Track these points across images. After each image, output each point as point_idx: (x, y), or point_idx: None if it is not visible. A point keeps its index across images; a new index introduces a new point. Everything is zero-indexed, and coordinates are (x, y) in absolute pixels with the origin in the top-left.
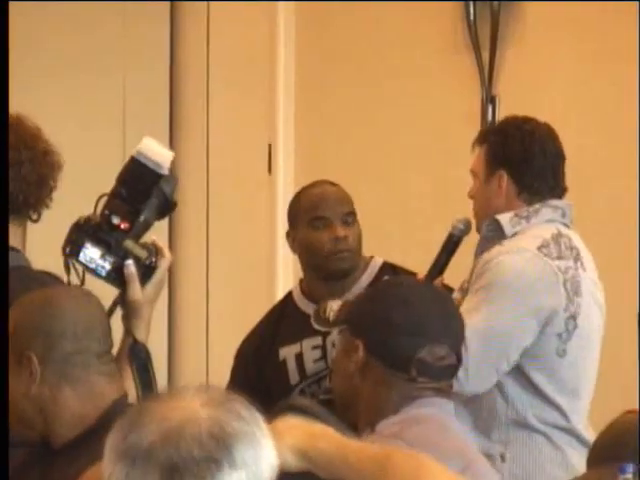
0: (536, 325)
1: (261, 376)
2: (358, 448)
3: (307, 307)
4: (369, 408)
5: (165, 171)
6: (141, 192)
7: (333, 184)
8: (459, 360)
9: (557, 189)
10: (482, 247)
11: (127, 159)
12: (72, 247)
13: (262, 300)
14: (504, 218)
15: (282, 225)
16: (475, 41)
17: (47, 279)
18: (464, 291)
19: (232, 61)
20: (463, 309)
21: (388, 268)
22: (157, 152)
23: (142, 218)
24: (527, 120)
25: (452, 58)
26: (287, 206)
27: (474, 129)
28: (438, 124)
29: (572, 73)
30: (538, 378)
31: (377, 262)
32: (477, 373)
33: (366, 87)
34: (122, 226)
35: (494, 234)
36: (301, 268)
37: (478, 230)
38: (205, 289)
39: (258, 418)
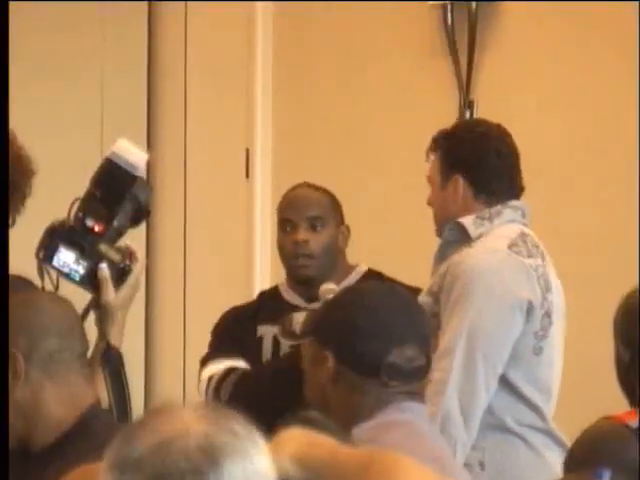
0: (521, 319)
1: (236, 347)
2: (348, 452)
3: (292, 298)
4: (343, 415)
5: (140, 172)
6: (115, 194)
7: (314, 188)
8: (428, 360)
9: (514, 189)
10: (443, 251)
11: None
12: (46, 252)
13: (239, 303)
14: (467, 221)
15: (260, 229)
16: (452, 45)
17: (19, 283)
18: (433, 294)
19: (210, 64)
20: (447, 316)
21: (373, 276)
22: (131, 153)
23: (116, 224)
24: (479, 122)
25: (429, 62)
26: (264, 210)
27: None
28: (415, 128)
29: (550, 77)
30: (516, 378)
31: (361, 269)
32: (472, 380)
33: (343, 92)
34: (96, 229)
35: (456, 237)
36: None
37: (439, 235)
38: (182, 293)
39: (254, 436)
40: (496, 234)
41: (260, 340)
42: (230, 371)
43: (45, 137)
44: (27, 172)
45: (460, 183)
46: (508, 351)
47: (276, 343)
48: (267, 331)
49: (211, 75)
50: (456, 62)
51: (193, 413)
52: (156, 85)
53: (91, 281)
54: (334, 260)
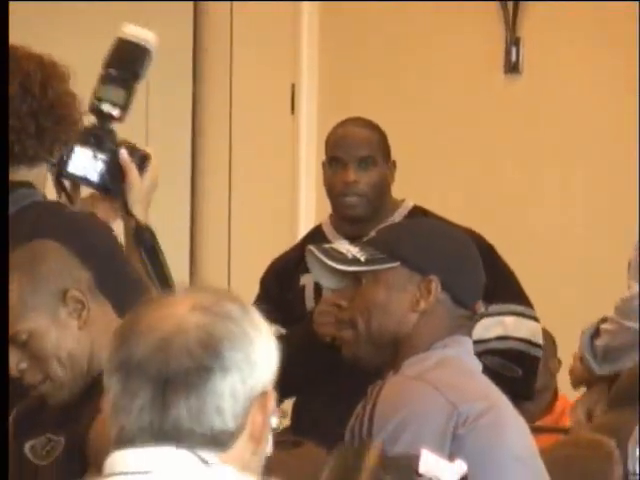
0: None
1: (282, 298)
2: None
3: (336, 239)
4: (410, 344)
5: (152, 46)
6: (131, 69)
7: (363, 124)
8: None
9: None
10: None
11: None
12: (60, 161)
13: (284, 240)
14: None
15: (305, 165)
16: None
17: (71, 212)
18: None
19: (256, 2)
20: None
21: (419, 212)
22: (141, 30)
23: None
24: None
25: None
26: (309, 145)
27: (497, 71)
28: (461, 66)
29: (591, 20)
30: None
31: (407, 205)
32: None
33: (390, 28)
34: (114, 113)
35: None
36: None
37: None
38: (227, 230)
39: (250, 314)
40: None
41: (303, 289)
42: None
43: (90, 84)
44: (62, 118)
45: None
46: None
47: (318, 290)
48: (309, 279)
49: (257, 11)
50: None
51: (186, 303)
52: (202, 24)
53: (111, 175)
54: (383, 197)
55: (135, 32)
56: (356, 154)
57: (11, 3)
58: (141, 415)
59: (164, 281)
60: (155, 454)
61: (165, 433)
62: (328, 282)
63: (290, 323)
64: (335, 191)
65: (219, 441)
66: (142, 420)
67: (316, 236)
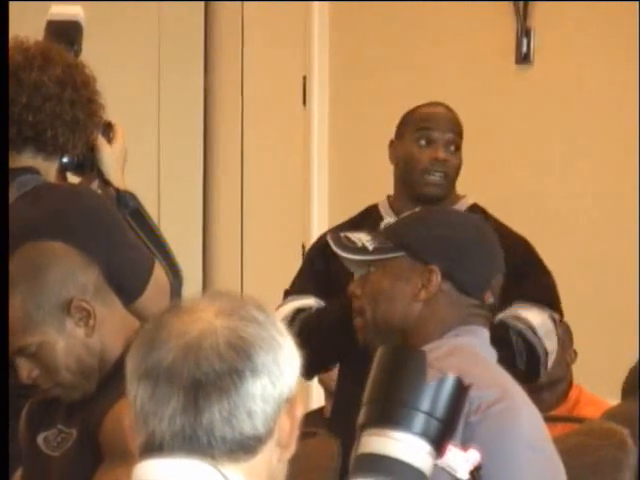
0: None
1: (328, 270)
2: None
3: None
4: (418, 333)
5: (80, 18)
6: (69, 45)
7: (449, 108)
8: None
9: None
10: None
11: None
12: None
13: (296, 232)
14: None
15: (317, 156)
16: None
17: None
18: None
19: (266, 1)
20: None
21: (477, 210)
22: (66, 7)
23: None
24: None
25: None
26: (321, 137)
27: (508, 62)
28: (472, 56)
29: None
30: None
31: (467, 201)
32: None
33: (401, 19)
34: None
35: None
36: (394, 183)
37: None
38: (240, 222)
39: (273, 319)
40: None
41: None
42: (296, 315)
43: (102, 74)
44: (94, 116)
45: None
46: None
47: None
48: None
49: (268, 3)
50: None
51: (210, 307)
52: (213, 14)
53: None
54: (454, 184)
55: (61, 10)
56: (447, 133)
57: (11, 3)
58: (173, 421)
59: (155, 241)
60: (184, 467)
61: (198, 439)
62: (353, 269)
63: (333, 296)
64: (420, 167)
65: (248, 447)
66: (174, 426)
67: (372, 213)
